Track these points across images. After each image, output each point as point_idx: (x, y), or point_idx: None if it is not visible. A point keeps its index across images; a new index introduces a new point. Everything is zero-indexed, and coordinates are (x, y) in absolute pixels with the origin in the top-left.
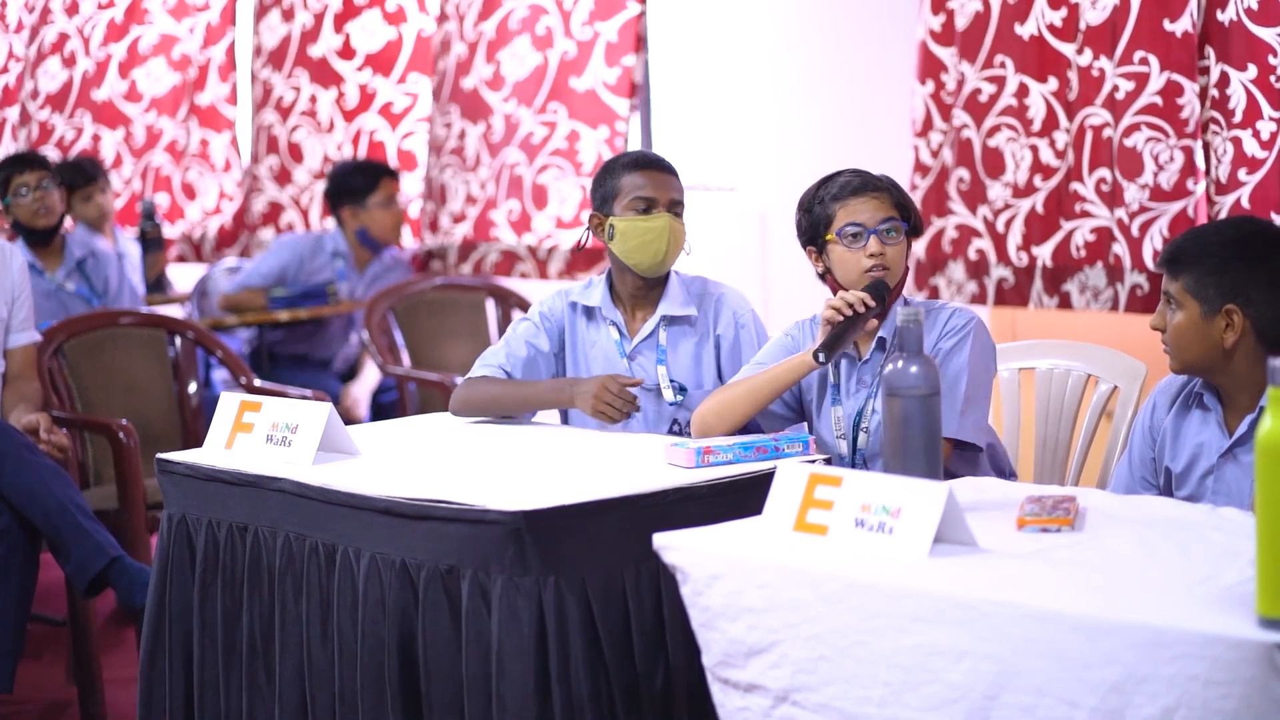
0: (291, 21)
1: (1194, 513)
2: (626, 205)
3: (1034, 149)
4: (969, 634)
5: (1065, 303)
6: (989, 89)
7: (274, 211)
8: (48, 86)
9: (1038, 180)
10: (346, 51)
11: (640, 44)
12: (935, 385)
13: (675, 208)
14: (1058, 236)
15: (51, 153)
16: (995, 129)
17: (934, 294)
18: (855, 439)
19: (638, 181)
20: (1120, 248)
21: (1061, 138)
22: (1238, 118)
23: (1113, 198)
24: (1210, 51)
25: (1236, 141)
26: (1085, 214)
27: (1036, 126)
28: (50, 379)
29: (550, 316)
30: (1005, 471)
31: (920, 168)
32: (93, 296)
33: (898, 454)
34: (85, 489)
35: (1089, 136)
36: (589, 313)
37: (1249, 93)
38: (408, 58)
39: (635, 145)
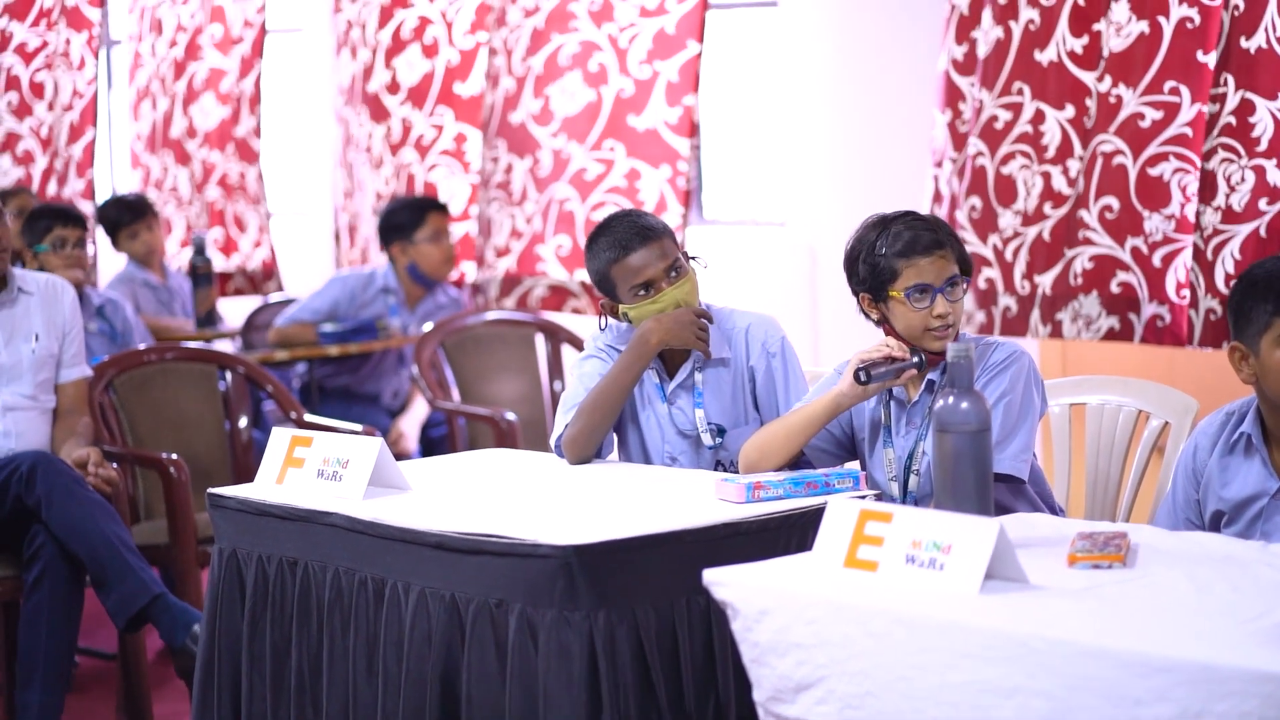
0: (355, 59)
1: (1246, 549)
2: (627, 293)
3: (1046, 176)
4: (1020, 671)
5: (1057, 331)
6: (1005, 116)
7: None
8: (143, 129)
9: (1048, 208)
10: (394, 86)
11: (699, 83)
12: (986, 421)
13: (672, 271)
14: (1060, 265)
15: (151, 193)
16: (1010, 156)
17: None
18: (906, 481)
19: (628, 267)
20: (1132, 277)
21: (1075, 165)
22: (1262, 146)
23: (1118, 226)
24: (1229, 78)
25: (1259, 170)
26: (1087, 241)
27: (1051, 154)
28: (101, 414)
29: (611, 352)
30: (1051, 502)
31: (937, 197)
32: (114, 334)
33: (948, 490)
34: (135, 524)
35: (1099, 164)
36: None
37: (1277, 121)
38: (438, 90)
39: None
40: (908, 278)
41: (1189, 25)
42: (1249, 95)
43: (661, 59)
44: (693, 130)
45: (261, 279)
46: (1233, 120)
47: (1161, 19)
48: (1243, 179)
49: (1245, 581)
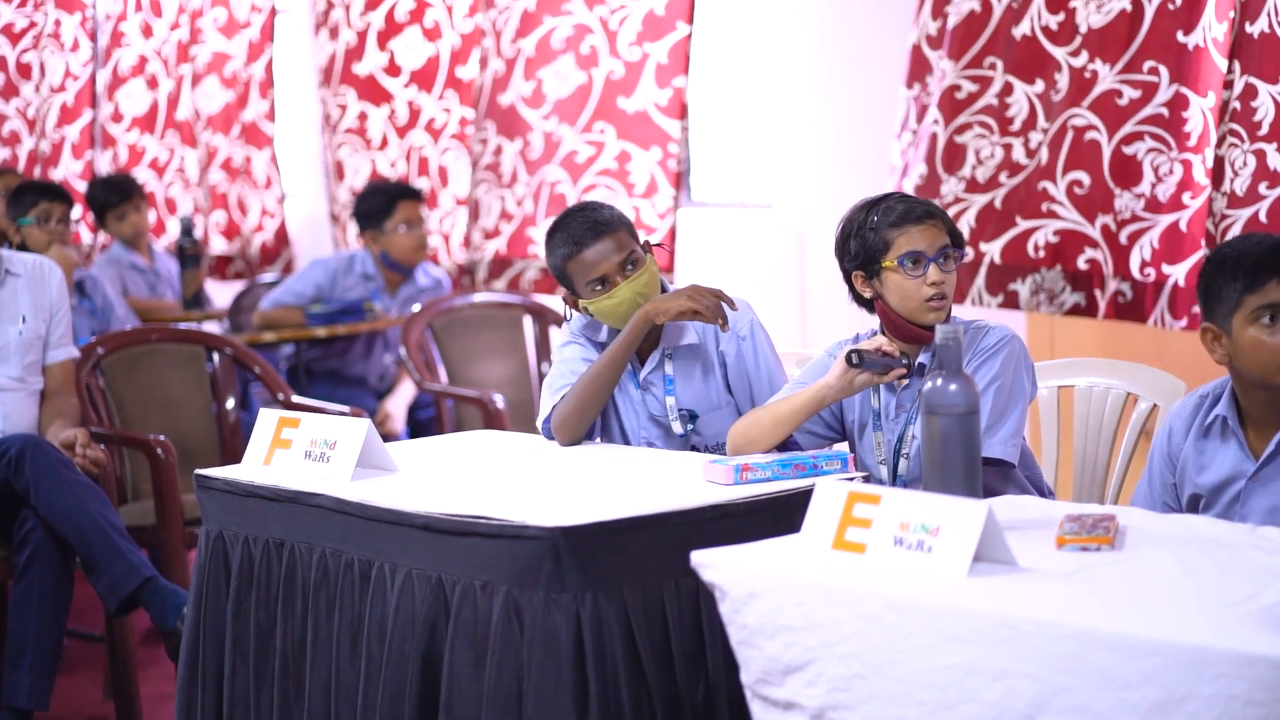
0: (336, 40)
1: (1234, 532)
2: (585, 288)
3: (1007, 147)
4: (1008, 653)
5: (1011, 302)
6: (970, 87)
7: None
8: (133, 109)
9: (1003, 177)
10: (392, 69)
11: (689, 65)
12: (974, 403)
13: (628, 265)
14: (1011, 234)
15: (145, 174)
16: (965, 126)
17: None
18: (896, 464)
19: (583, 262)
20: (1099, 254)
21: (1036, 137)
22: (1263, 130)
23: (1088, 202)
24: (1236, 64)
25: (1260, 155)
26: (1051, 214)
27: (1016, 126)
28: (88, 395)
29: (582, 336)
30: (1040, 485)
31: (892, 168)
32: (95, 310)
33: (936, 472)
34: (122, 505)
35: (1069, 137)
36: (604, 346)
37: (1278, 106)
38: (445, 74)
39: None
40: (900, 246)
41: (1171, 6)
42: (1252, 80)
43: (651, 41)
44: (683, 112)
45: (260, 263)
46: (1237, 105)
47: None
48: (1245, 164)
49: (1234, 564)
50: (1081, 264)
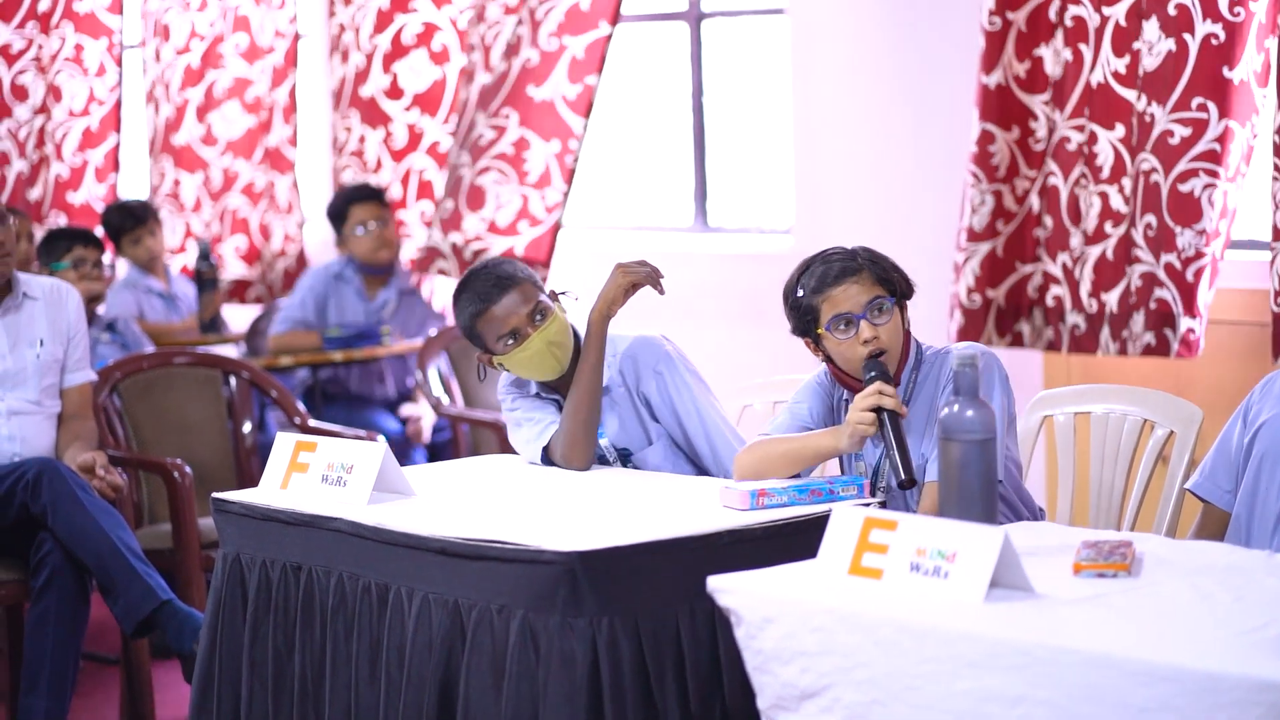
0: (346, 63)
1: (1250, 559)
2: (497, 344)
3: (1104, 196)
4: (1024, 679)
5: (1123, 349)
6: (1078, 138)
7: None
8: (141, 134)
9: (1108, 227)
10: (394, 91)
11: (603, 65)
12: (991, 430)
13: (537, 316)
14: (1123, 284)
15: (142, 197)
16: (1080, 178)
17: (1018, 340)
18: (873, 495)
19: (491, 319)
20: (1168, 293)
21: (1128, 184)
22: None
23: (1158, 243)
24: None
25: None
26: (1137, 259)
27: (1105, 174)
28: (105, 418)
29: (512, 390)
30: (1028, 501)
31: (1003, 213)
32: (126, 345)
33: (953, 498)
34: (139, 528)
35: (1142, 182)
36: (537, 396)
37: None
38: (451, 97)
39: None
40: (826, 313)
41: (1214, 41)
42: None
43: (571, 34)
44: (588, 110)
45: (283, 287)
46: (1277, 140)
47: (1188, 36)
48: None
49: (1249, 591)
50: (1152, 304)
